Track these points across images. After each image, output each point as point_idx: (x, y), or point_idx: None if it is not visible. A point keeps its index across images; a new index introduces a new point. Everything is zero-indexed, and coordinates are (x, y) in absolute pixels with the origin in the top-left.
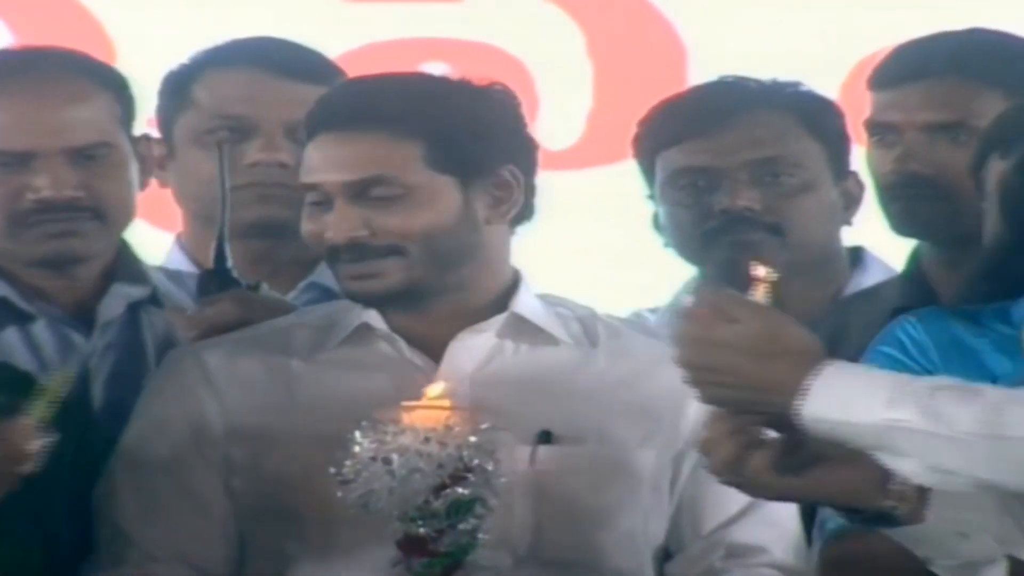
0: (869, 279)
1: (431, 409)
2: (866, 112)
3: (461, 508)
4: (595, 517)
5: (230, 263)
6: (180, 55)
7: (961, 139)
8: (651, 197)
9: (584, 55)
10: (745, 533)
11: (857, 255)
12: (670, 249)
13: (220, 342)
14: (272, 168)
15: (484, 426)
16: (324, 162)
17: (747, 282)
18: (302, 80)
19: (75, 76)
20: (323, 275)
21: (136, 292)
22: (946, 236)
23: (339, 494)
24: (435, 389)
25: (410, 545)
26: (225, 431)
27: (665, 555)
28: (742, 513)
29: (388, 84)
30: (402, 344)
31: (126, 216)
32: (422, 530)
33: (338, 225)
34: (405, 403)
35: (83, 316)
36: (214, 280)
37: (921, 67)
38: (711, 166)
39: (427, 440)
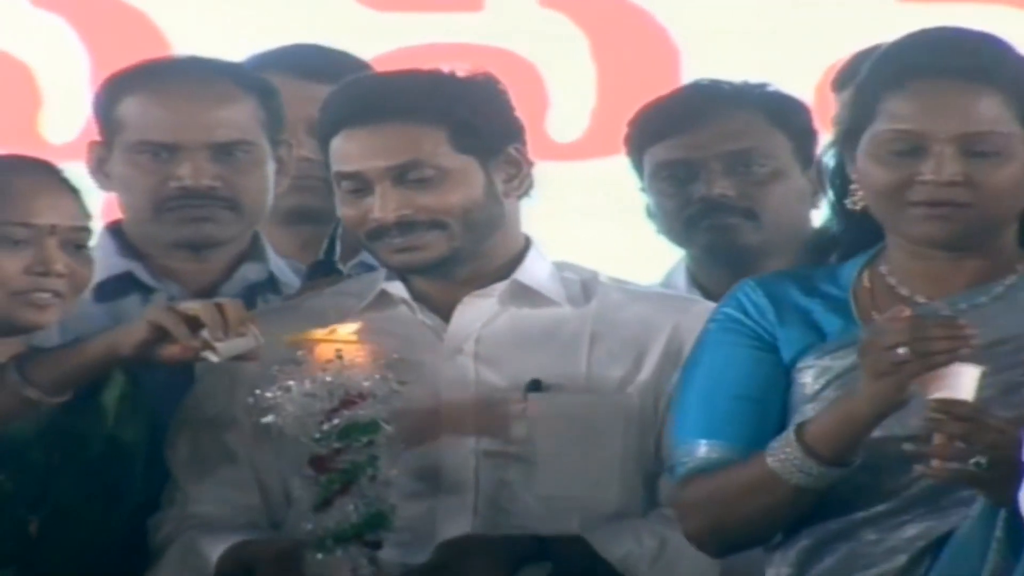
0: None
1: (335, 343)
2: (832, 110)
3: (356, 430)
4: (584, 454)
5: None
6: (227, 55)
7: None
8: (643, 189)
9: (588, 58)
10: None
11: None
12: (661, 235)
13: (268, 310)
14: (303, 163)
15: (382, 361)
16: (361, 152)
17: (725, 261)
18: (323, 81)
19: (223, 81)
20: (369, 255)
21: (253, 276)
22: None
23: (261, 420)
24: (347, 328)
25: (316, 463)
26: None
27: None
28: None
29: (403, 80)
30: (416, 307)
31: (259, 209)
32: (320, 449)
33: (384, 206)
34: (313, 337)
35: (207, 296)
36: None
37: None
38: (689, 159)
39: (323, 370)
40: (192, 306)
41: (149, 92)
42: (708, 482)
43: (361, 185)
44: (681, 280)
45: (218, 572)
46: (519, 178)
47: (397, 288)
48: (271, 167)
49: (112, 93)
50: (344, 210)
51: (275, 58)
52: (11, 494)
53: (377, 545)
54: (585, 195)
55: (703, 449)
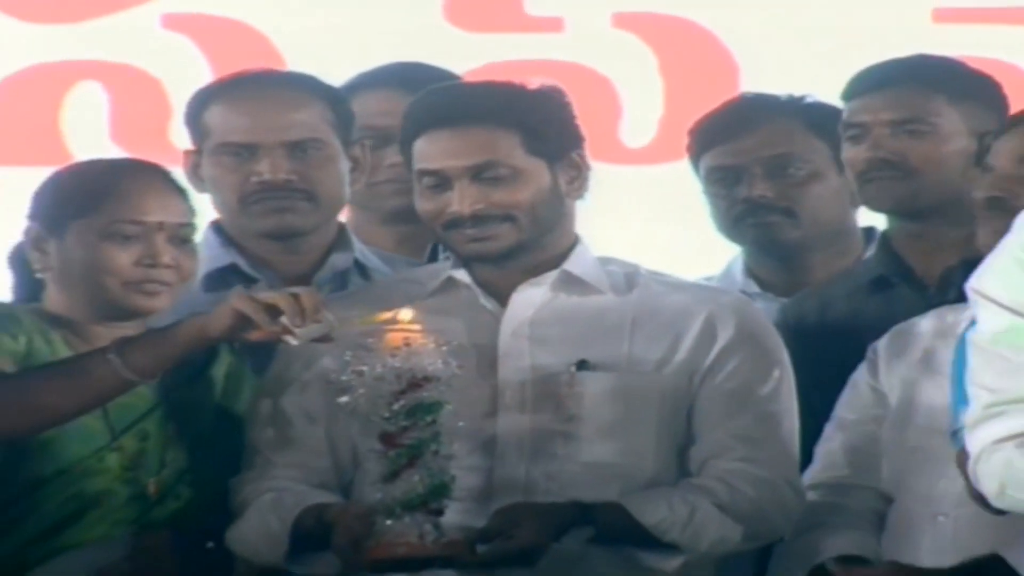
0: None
1: (403, 332)
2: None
3: (421, 410)
4: (624, 427)
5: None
6: (337, 71)
7: (917, 131)
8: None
9: (656, 73)
10: (741, 429)
11: (872, 234)
12: (719, 233)
13: (343, 295)
14: (400, 168)
15: (444, 347)
16: (442, 152)
17: (772, 254)
18: None
19: (293, 88)
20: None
21: (341, 264)
22: (910, 209)
23: (337, 400)
24: (407, 312)
25: (385, 439)
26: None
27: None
28: (745, 418)
29: (482, 89)
30: (478, 292)
31: (335, 200)
32: (390, 427)
33: (462, 200)
34: (385, 326)
35: (302, 283)
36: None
37: (881, 80)
38: (734, 164)
39: (392, 356)
40: (271, 295)
41: (229, 101)
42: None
43: (441, 181)
44: (738, 272)
45: (294, 532)
46: (579, 180)
47: (462, 275)
48: (344, 164)
49: (199, 104)
50: (422, 204)
51: (382, 74)
52: (133, 459)
53: (440, 512)
54: (652, 196)
55: None
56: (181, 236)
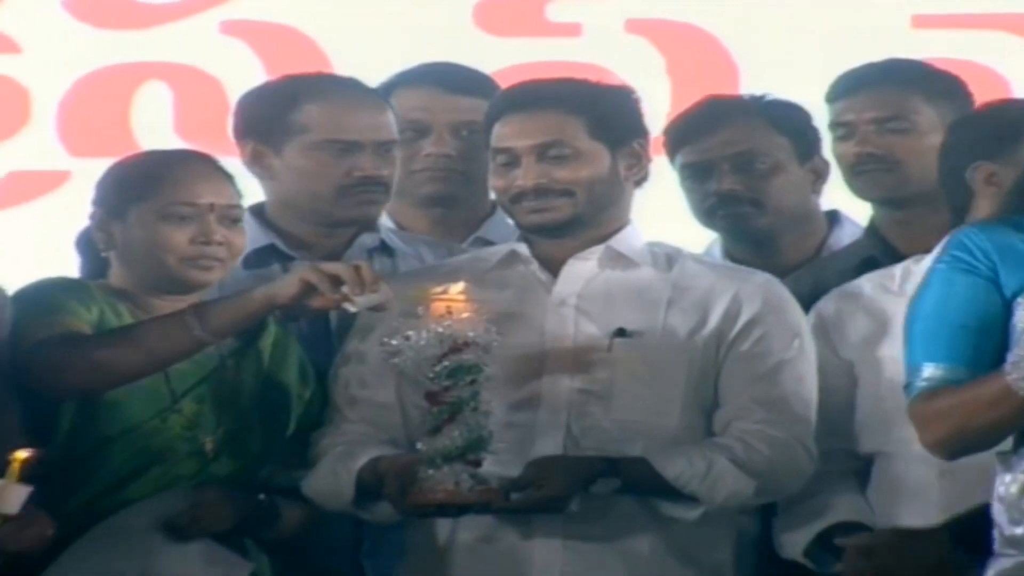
0: (845, 232)
1: (446, 302)
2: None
3: (461, 371)
4: (657, 388)
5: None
6: (377, 71)
7: (899, 127)
8: None
9: (664, 74)
10: (761, 394)
11: (834, 216)
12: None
13: (417, 270)
14: (441, 158)
15: (485, 316)
16: (514, 133)
17: (744, 240)
18: (462, 93)
19: (373, 94)
20: (487, 231)
21: (369, 243)
22: (896, 198)
23: (389, 361)
24: (456, 287)
25: (429, 397)
26: None
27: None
28: (766, 384)
29: (557, 81)
30: (535, 265)
31: (392, 193)
32: (433, 386)
33: (527, 175)
34: (430, 294)
35: (333, 261)
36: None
37: (863, 82)
38: (704, 161)
39: (436, 323)
40: (336, 266)
41: (328, 101)
42: (945, 398)
43: (511, 159)
44: (718, 254)
45: (358, 480)
46: (638, 167)
47: (522, 248)
48: (397, 160)
49: (287, 101)
50: (495, 180)
51: (418, 73)
52: (191, 421)
53: (477, 463)
54: (659, 185)
55: (928, 371)
56: (231, 217)
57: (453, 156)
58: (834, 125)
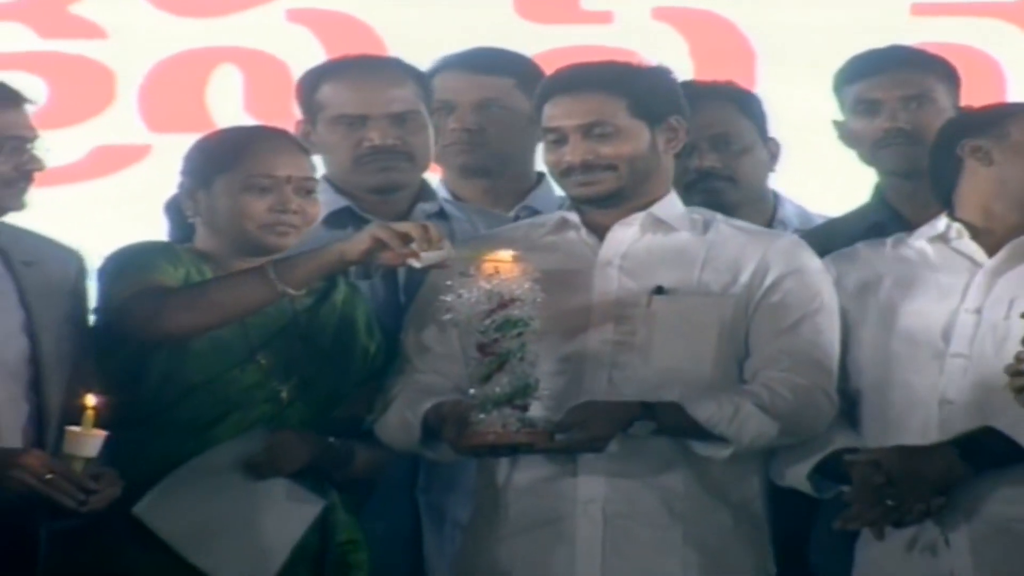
0: (787, 208)
1: (494, 263)
2: (843, 101)
3: (509, 325)
4: (692, 339)
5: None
6: (427, 55)
7: (920, 105)
8: None
9: (687, 57)
10: (786, 345)
11: (775, 194)
12: None
13: (479, 236)
14: (463, 132)
15: (529, 275)
16: (561, 113)
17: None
18: (483, 72)
19: (392, 70)
20: (533, 200)
21: (428, 208)
22: (917, 170)
23: (444, 316)
24: (505, 254)
25: (480, 348)
26: None
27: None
28: (791, 336)
29: (600, 65)
30: (584, 231)
31: (427, 160)
32: (484, 338)
33: (574, 152)
34: (483, 257)
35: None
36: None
37: (886, 63)
38: (686, 140)
39: (486, 281)
40: (405, 224)
41: (341, 80)
42: None
43: (559, 137)
44: None
45: (423, 424)
46: (675, 141)
47: (572, 216)
48: (431, 130)
49: (311, 84)
50: (546, 156)
51: (451, 58)
52: (268, 369)
53: (524, 408)
54: None
55: None
56: (305, 188)
57: (474, 130)
58: (859, 101)
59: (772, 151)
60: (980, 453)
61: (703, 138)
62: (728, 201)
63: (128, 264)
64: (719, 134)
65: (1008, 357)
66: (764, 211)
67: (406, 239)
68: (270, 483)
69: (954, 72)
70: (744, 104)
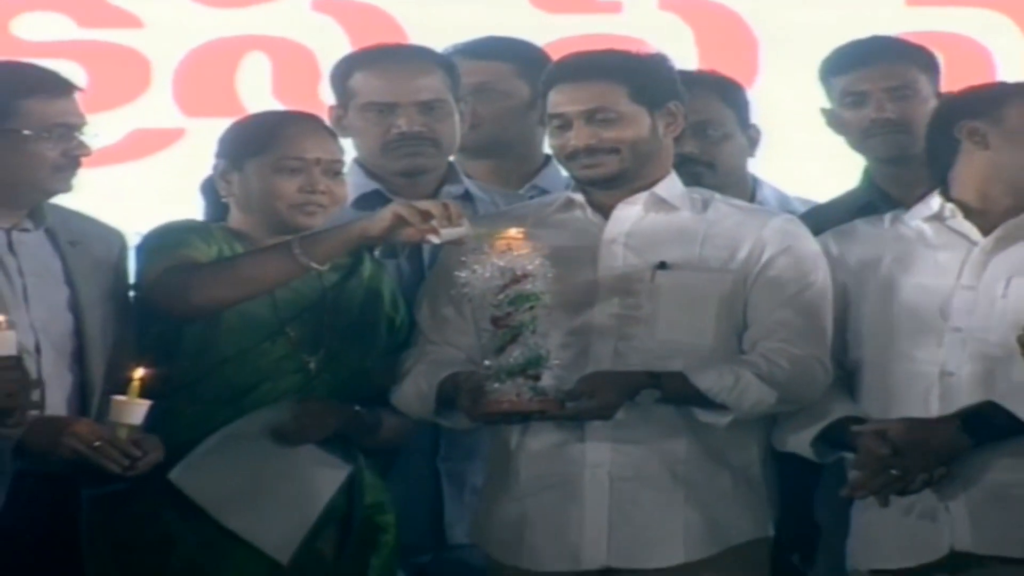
0: (765, 190)
1: (507, 240)
2: (830, 91)
3: (521, 299)
4: (694, 312)
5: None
6: (447, 43)
7: (906, 95)
8: None
9: (693, 46)
10: (783, 318)
11: (754, 178)
12: None
13: (490, 214)
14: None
15: (540, 252)
16: (565, 100)
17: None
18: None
19: (421, 59)
20: (541, 180)
21: (454, 191)
22: (905, 156)
23: (462, 291)
24: (517, 232)
25: (494, 321)
26: None
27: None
28: (787, 309)
29: (600, 53)
30: (589, 210)
31: (452, 146)
32: (497, 312)
33: (578, 137)
34: (496, 236)
35: None
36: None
37: (870, 56)
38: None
39: (501, 257)
40: (426, 203)
41: (372, 69)
42: None
43: (564, 123)
44: None
45: (439, 393)
46: (674, 125)
47: (578, 196)
48: (457, 117)
49: (343, 72)
50: (552, 141)
51: (480, 45)
52: (297, 342)
53: (536, 378)
54: None
55: None
56: (333, 170)
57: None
58: (847, 93)
59: (752, 138)
60: (981, 426)
61: (685, 125)
62: (707, 185)
63: (162, 242)
64: (700, 122)
65: (1006, 332)
66: (743, 194)
67: (427, 216)
68: (300, 449)
69: (934, 60)
70: (725, 93)
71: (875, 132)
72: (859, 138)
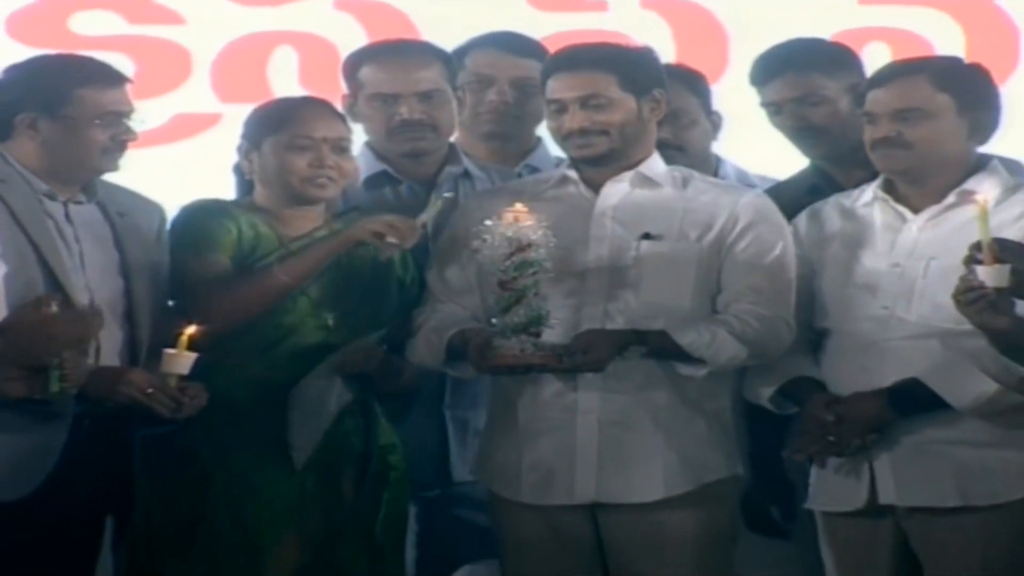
0: (728, 168)
1: (514, 213)
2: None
3: (525, 265)
4: (674, 277)
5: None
6: (454, 37)
7: (812, 102)
8: None
9: (670, 40)
10: (753, 282)
11: (717, 157)
12: None
13: (491, 189)
14: (501, 104)
15: (543, 223)
16: (562, 87)
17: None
18: (521, 55)
19: (421, 53)
20: (534, 160)
21: (455, 170)
22: (833, 155)
23: (473, 257)
24: (521, 207)
25: (501, 284)
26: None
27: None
28: (757, 275)
29: (591, 46)
30: (582, 186)
31: (449, 130)
32: (504, 276)
33: (573, 120)
34: (502, 211)
35: (428, 184)
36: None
37: (776, 69)
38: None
39: (507, 227)
40: (374, 225)
41: (377, 62)
42: None
43: (560, 107)
44: None
45: (448, 346)
46: (658, 110)
47: (572, 173)
48: (454, 104)
49: (353, 64)
50: (550, 123)
51: (487, 39)
52: (316, 302)
53: (538, 334)
54: None
55: None
56: (340, 147)
57: (510, 103)
58: (764, 104)
59: (715, 123)
60: (905, 401)
61: None
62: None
63: (187, 237)
64: (671, 111)
65: (925, 312)
66: (708, 172)
67: (380, 236)
68: (317, 372)
69: (842, 58)
70: (691, 83)
71: (797, 137)
72: (790, 139)
